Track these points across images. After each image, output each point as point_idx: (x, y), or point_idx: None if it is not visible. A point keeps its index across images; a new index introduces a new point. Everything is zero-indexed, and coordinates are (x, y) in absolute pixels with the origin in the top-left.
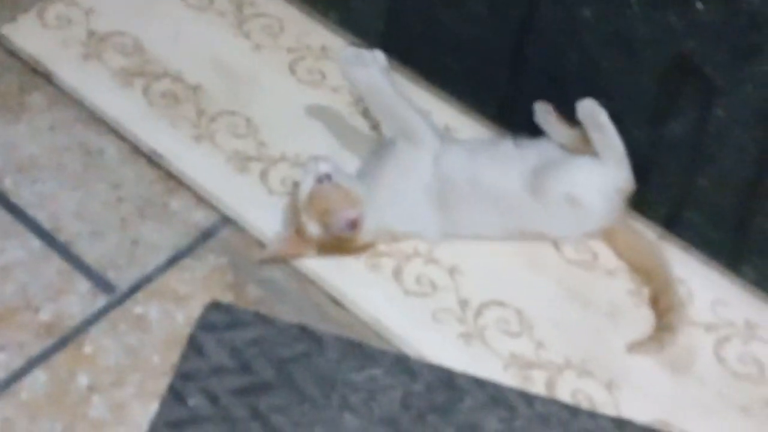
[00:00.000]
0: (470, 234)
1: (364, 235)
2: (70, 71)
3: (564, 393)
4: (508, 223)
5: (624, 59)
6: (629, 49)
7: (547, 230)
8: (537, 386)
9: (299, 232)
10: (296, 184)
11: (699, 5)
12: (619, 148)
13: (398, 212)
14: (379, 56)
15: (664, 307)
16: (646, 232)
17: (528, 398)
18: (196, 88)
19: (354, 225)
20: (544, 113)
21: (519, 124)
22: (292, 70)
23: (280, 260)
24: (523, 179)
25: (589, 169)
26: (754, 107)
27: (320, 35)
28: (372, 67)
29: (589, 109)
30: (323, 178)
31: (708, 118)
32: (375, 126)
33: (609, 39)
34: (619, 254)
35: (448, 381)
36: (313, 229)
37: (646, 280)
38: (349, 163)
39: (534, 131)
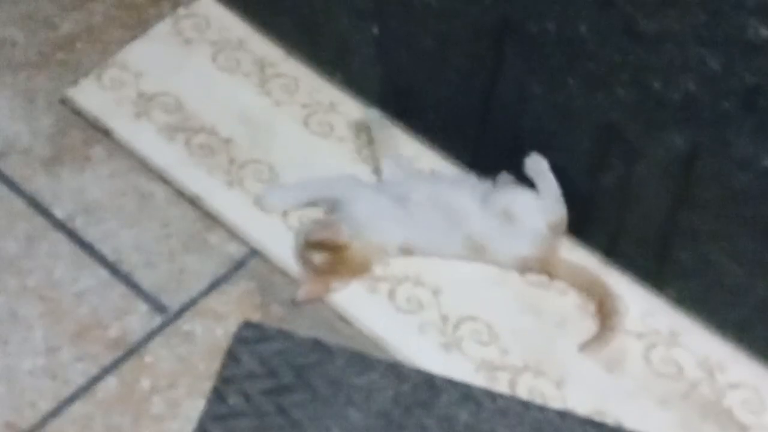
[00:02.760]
0: (430, 249)
1: (354, 247)
2: (124, 127)
3: (523, 390)
4: (457, 233)
5: (566, 125)
6: (569, 118)
7: (489, 244)
8: (502, 385)
9: (314, 269)
10: (297, 236)
11: (618, 89)
12: (554, 188)
13: (369, 226)
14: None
15: (607, 311)
16: (588, 258)
17: (492, 395)
18: (227, 141)
19: (329, 225)
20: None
21: (489, 170)
22: (306, 123)
23: (314, 300)
24: (473, 195)
25: (528, 195)
26: (664, 165)
27: (329, 92)
28: (286, 200)
29: (533, 162)
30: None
31: (631, 172)
32: (375, 171)
33: (554, 109)
34: (563, 281)
35: (429, 382)
36: (317, 257)
37: (591, 295)
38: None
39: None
